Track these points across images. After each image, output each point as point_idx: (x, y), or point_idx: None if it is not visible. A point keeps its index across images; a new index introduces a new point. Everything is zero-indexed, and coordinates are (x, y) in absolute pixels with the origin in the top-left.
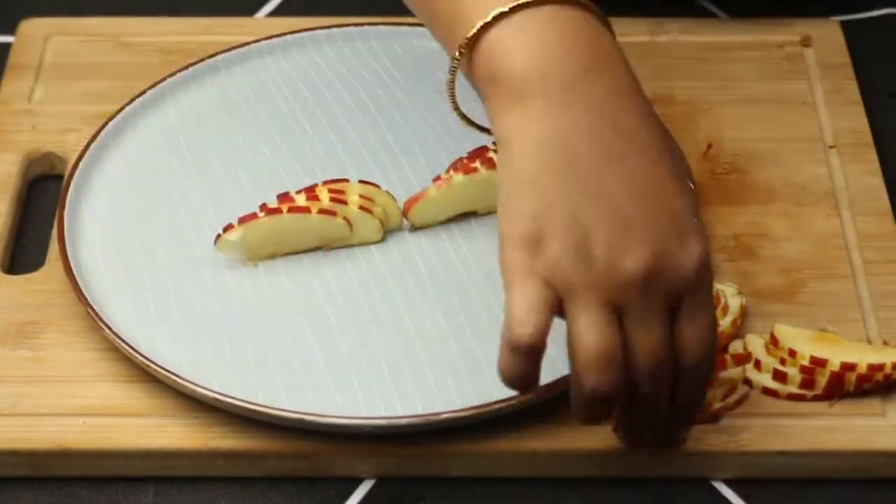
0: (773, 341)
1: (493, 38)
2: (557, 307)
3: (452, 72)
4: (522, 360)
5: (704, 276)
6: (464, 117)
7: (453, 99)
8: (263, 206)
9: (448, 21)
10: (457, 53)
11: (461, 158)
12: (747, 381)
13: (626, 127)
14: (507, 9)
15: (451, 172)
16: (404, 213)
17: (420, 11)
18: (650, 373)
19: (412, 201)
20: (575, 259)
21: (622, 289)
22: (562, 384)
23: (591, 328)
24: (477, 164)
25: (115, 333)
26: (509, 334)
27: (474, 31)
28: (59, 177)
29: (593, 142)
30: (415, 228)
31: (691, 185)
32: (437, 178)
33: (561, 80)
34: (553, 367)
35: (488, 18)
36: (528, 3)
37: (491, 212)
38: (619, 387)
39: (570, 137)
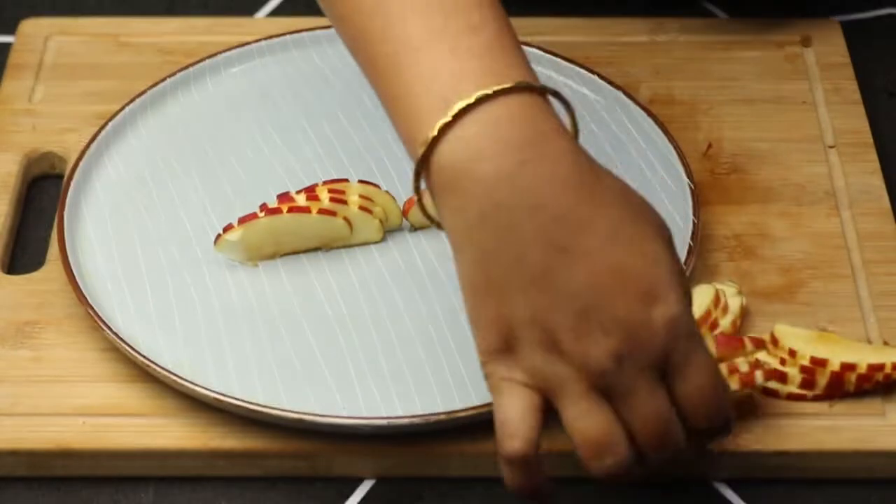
0: (773, 341)
1: (439, 150)
2: (547, 405)
3: (416, 185)
4: (521, 470)
5: (679, 332)
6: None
7: (423, 208)
8: (263, 206)
9: (405, 129)
10: (415, 166)
11: None
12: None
13: (570, 215)
14: (449, 118)
15: None
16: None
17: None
18: (655, 443)
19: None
20: (547, 358)
21: (598, 375)
22: None
23: (582, 418)
24: None
25: (115, 333)
26: (501, 449)
27: (424, 149)
28: (59, 177)
29: (537, 239)
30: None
31: (664, 234)
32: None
33: (495, 177)
34: None
35: (435, 132)
36: (468, 106)
37: None
38: (630, 461)
39: (512, 239)
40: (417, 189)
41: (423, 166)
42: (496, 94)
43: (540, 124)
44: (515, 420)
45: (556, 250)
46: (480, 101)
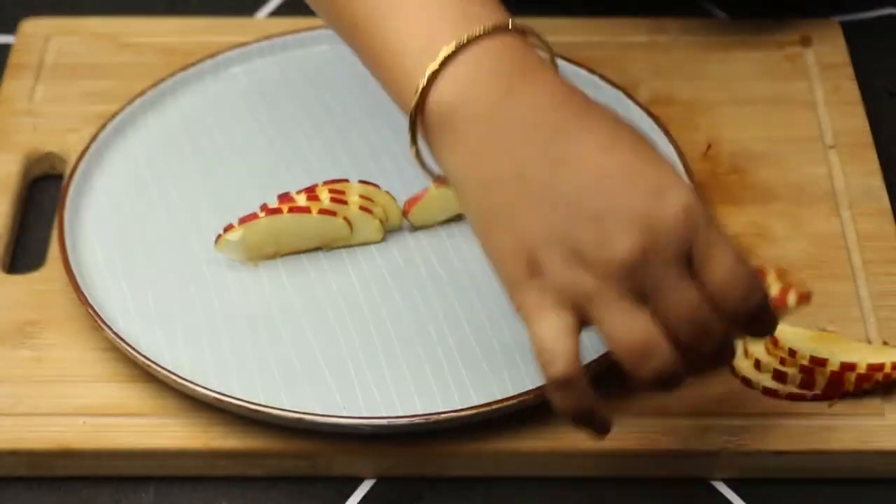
0: (773, 341)
1: (431, 95)
2: (582, 322)
3: (412, 136)
4: (569, 393)
5: (697, 219)
6: (429, 172)
7: (419, 158)
8: (264, 206)
9: (393, 83)
10: (409, 117)
11: None
12: (746, 381)
13: (564, 129)
14: (437, 65)
15: None
16: (405, 214)
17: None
18: (695, 335)
19: (412, 201)
20: (573, 271)
21: (627, 275)
22: None
23: (619, 326)
24: None
25: (115, 333)
26: (545, 376)
27: (417, 98)
28: (59, 177)
29: (536, 157)
30: (415, 228)
31: (656, 150)
32: (438, 178)
33: (487, 107)
34: None
35: (424, 81)
36: (454, 51)
37: None
38: (674, 360)
39: (512, 162)
40: (415, 139)
41: (417, 114)
42: (479, 36)
43: (523, 59)
44: (552, 344)
45: (557, 163)
46: (465, 44)
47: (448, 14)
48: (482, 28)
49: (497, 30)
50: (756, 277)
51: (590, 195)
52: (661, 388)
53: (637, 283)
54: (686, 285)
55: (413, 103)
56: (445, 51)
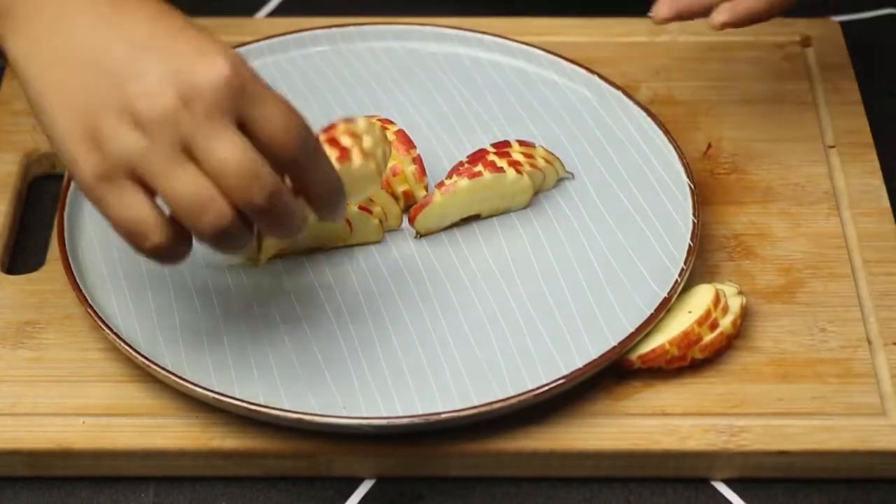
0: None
1: None
2: (149, 192)
3: None
4: (165, 254)
5: (242, 74)
6: None
7: None
8: None
9: None
10: None
11: (462, 162)
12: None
13: (119, 4)
14: None
15: (455, 178)
16: (410, 221)
17: None
18: (245, 185)
19: (419, 208)
20: (126, 131)
21: (172, 127)
22: (563, 383)
23: (172, 181)
24: (480, 167)
25: (115, 333)
26: (146, 250)
27: None
28: (59, 177)
29: (91, 29)
30: (420, 236)
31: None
32: (441, 183)
33: None
34: (553, 367)
35: None
36: None
37: (493, 214)
38: (227, 214)
39: (72, 39)
40: None
41: None
42: None
43: None
44: (139, 218)
45: (110, 29)
46: None
47: None
48: None
49: None
50: (307, 125)
51: (137, 55)
52: (224, 243)
53: (182, 138)
54: (229, 135)
55: None
56: None
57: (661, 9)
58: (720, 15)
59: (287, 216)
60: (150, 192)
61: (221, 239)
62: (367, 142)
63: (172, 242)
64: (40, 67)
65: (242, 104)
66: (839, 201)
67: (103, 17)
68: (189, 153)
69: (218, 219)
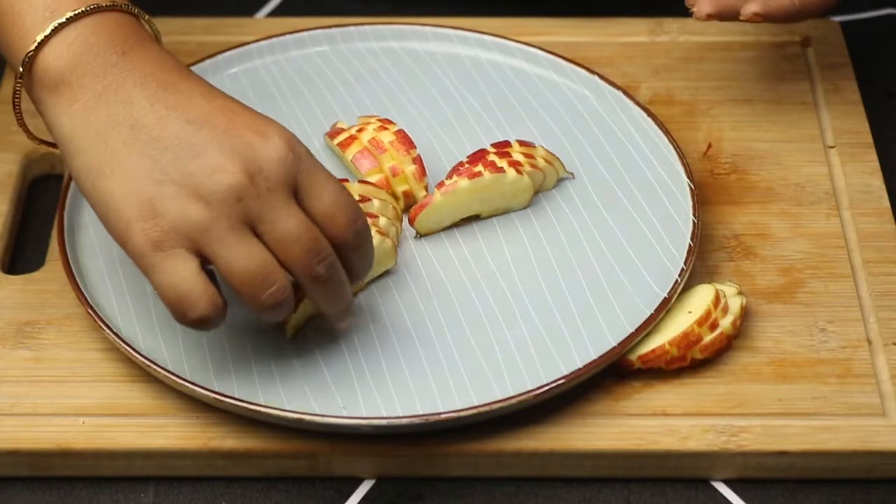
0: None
1: (42, 58)
2: (202, 262)
3: (18, 87)
4: (203, 325)
5: (299, 151)
6: (30, 134)
7: (19, 113)
8: None
9: (7, 44)
10: (20, 70)
11: (462, 163)
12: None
13: (171, 83)
14: (49, 31)
15: (455, 178)
16: (410, 221)
17: None
18: (305, 257)
19: (419, 209)
20: (185, 205)
21: (235, 202)
22: (563, 383)
23: (234, 255)
24: (480, 167)
25: (115, 333)
26: (191, 320)
27: (33, 48)
28: (59, 177)
29: (147, 105)
30: (420, 236)
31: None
32: (441, 183)
33: (103, 66)
34: (553, 367)
35: (48, 31)
36: (66, 21)
37: (493, 214)
38: (287, 287)
39: (126, 112)
40: (16, 104)
41: (26, 74)
42: (92, 10)
43: (137, 31)
44: (188, 288)
45: (166, 108)
46: (77, 16)
47: None
48: (97, 3)
49: (111, 8)
50: (357, 206)
51: (196, 132)
52: (278, 314)
53: (246, 212)
54: (293, 210)
55: (21, 63)
56: (60, 19)
57: (703, 6)
58: (752, 5)
59: (341, 287)
60: (202, 263)
61: (278, 310)
62: (383, 221)
63: (217, 314)
64: (95, 136)
65: (301, 178)
66: (839, 201)
67: (157, 94)
68: (251, 226)
69: (280, 290)
